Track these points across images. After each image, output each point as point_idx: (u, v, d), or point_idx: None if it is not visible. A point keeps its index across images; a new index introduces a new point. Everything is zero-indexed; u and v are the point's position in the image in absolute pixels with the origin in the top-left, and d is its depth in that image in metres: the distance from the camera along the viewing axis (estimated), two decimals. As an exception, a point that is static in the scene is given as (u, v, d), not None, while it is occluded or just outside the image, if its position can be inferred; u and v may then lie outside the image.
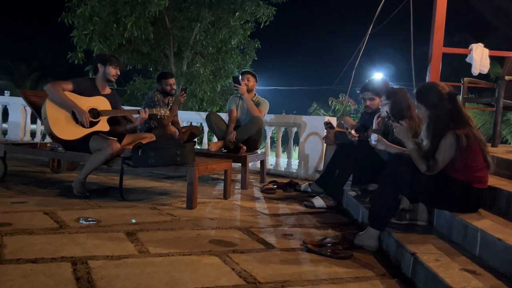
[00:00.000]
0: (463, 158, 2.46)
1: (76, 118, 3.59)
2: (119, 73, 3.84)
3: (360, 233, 2.70)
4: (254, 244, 2.61)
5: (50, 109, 3.56)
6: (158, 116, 4.04)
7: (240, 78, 4.83)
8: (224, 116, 5.18)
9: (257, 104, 4.79)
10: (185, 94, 4.71)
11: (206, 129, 6.44)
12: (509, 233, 2.11)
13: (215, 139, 5.19)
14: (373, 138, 2.98)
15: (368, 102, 3.82)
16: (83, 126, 3.60)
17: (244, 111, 4.85)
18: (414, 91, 2.74)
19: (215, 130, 4.85)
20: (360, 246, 2.61)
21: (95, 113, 3.68)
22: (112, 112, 3.76)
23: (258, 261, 2.31)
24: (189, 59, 10.82)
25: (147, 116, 3.86)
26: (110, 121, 3.76)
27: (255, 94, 4.90)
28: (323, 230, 3.05)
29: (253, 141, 4.71)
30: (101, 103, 3.73)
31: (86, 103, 3.65)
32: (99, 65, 3.79)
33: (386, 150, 3.03)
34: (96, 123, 3.66)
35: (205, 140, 6.68)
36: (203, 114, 6.47)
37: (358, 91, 3.93)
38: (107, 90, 3.89)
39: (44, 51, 35.40)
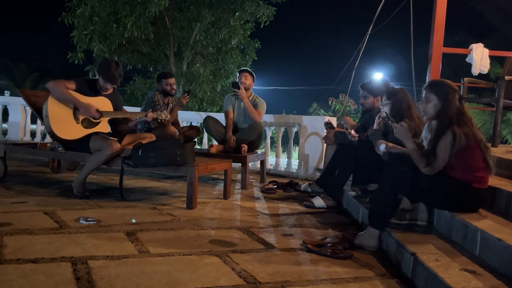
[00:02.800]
0: (462, 157, 2.46)
1: (77, 117, 3.59)
2: (108, 87, 3.75)
3: (360, 233, 2.70)
4: (254, 244, 2.61)
5: (52, 107, 3.57)
6: (159, 120, 4.05)
7: (237, 78, 4.83)
8: (221, 117, 5.16)
9: (255, 106, 4.78)
10: (188, 97, 4.71)
11: (206, 129, 6.44)
12: (509, 233, 2.11)
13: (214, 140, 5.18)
14: (382, 148, 2.93)
15: (361, 100, 3.94)
16: (94, 119, 3.62)
17: (241, 111, 4.83)
18: (425, 84, 2.71)
19: (213, 135, 4.83)
20: (360, 246, 2.61)
21: (95, 118, 3.68)
22: (113, 114, 3.76)
23: (258, 261, 2.31)
24: (189, 59, 10.81)
25: (150, 120, 3.93)
26: (111, 120, 3.77)
27: (251, 93, 4.90)
28: (323, 230, 3.05)
29: (253, 144, 4.71)
30: (103, 103, 3.73)
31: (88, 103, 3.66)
32: (97, 72, 3.81)
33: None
34: (97, 123, 3.67)
35: (205, 140, 6.68)
36: (203, 114, 6.46)
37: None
38: (109, 90, 3.89)
39: (44, 51, 35.44)
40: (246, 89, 4.80)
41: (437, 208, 2.72)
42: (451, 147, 2.45)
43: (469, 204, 2.52)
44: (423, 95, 2.65)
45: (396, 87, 3.57)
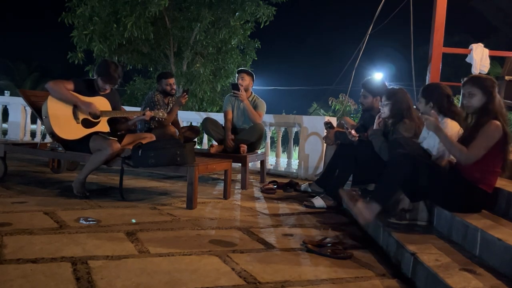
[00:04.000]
0: (485, 154, 2.42)
1: (77, 117, 3.60)
2: (107, 88, 3.78)
3: (361, 200, 2.64)
4: (254, 244, 2.61)
5: (51, 107, 3.57)
6: (156, 119, 4.05)
7: (236, 79, 4.83)
8: (221, 117, 5.15)
9: (255, 107, 4.77)
10: (186, 96, 4.69)
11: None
12: (509, 233, 2.11)
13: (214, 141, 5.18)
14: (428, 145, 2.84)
15: (361, 99, 3.96)
16: (95, 115, 3.64)
17: (240, 112, 4.82)
18: (464, 79, 2.64)
19: (213, 136, 4.82)
20: (356, 215, 2.58)
21: (95, 114, 3.68)
22: (112, 113, 3.77)
23: (258, 261, 2.31)
24: (189, 59, 10.82)
25: (148, 118, 3.93)
26: (110, 120, 3.77)
27: (251, 93, 4.89)
28: (323, 230, 3.05)
29: (253, 144, 4.71)
30: (101, 103, 3.73)
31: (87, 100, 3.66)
32: (95, 73, 3.82)
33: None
34: (97, 123, 3.67)
35: (205, 140, 6.68)
36: (203, 114, 6.47)
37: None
38: (107, 89, 3.88)
39: (44, 51, 35.44)
40: (245, 90, 4.79)
41: (437, 204, 2.71)
42: (497, 137, 2.40)
43: (469, 205, 2.50)
44: (465, 90, 2.58)
45: (395, 87, 3.57)
